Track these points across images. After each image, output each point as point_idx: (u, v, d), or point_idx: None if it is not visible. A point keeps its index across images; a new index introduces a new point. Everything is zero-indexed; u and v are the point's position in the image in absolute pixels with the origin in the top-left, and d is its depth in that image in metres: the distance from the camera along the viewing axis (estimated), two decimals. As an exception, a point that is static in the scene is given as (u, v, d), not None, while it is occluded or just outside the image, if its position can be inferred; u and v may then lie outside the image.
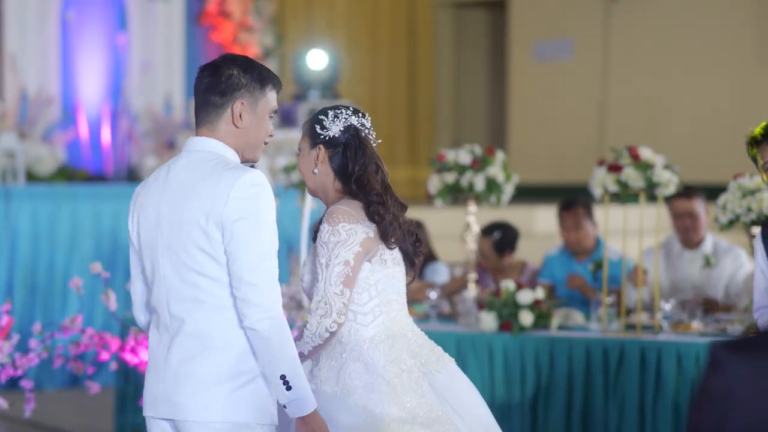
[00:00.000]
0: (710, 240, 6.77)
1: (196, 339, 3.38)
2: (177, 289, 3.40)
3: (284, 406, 3.39)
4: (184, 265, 3.39)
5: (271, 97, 3.53)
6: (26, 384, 5.20)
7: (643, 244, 6.42)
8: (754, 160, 4.25)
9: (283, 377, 3.34)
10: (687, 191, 6.62)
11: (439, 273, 7.26)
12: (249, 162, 3.56)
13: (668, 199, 6.67)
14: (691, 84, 12.49)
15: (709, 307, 6.42)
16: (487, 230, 7.08)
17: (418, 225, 7.43)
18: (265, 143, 3.55)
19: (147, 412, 3.48)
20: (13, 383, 5.38)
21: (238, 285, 3.33)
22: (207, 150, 3.47)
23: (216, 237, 3.34)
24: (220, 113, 3.49)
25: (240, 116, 3.49)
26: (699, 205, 6.69)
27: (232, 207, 3.33)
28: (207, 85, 3.51)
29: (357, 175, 3.72)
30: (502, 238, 7.12)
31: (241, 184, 3.35)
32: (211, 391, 3.37)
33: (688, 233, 6.72)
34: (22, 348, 5.33)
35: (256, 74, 3.51)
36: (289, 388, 3.34)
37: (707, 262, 6.66)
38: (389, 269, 3.72)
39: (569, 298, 6.78)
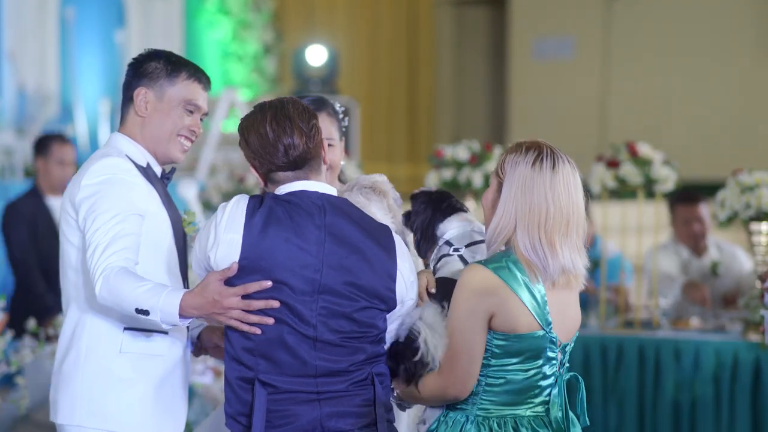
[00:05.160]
0: (713, 242, 6.70)
1: None
2: None
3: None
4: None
5: (183, 87, 3.32)
6: (21, 381, 5.19)
7: (642, 241, 6.38)
8: None
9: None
10: (691, 196, 6.55)
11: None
12: (169, 162, 3.36)
13: (673, 206, 6.61)
14: (691, 82, 12.45)
15: (729, 302, 6.41)
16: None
17: None
18: (189, 139, 3.33)
19: None
20: (7, 380, 5.36)
21: None
22: (108, 144, 3.32)
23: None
24: (128, 104, 3.35)
25: (144, 106, 3.31)
26: (705, 209, 6.61)
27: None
28: (125, 78, 3.37)
29: None
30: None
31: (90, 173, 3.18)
32: None
33: (697, 240, 6.62)
34: (17, 345, 5.31)
35: (164, 62, 3.33)
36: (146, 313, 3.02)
37: (714, 271, 6.60)
38: None
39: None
